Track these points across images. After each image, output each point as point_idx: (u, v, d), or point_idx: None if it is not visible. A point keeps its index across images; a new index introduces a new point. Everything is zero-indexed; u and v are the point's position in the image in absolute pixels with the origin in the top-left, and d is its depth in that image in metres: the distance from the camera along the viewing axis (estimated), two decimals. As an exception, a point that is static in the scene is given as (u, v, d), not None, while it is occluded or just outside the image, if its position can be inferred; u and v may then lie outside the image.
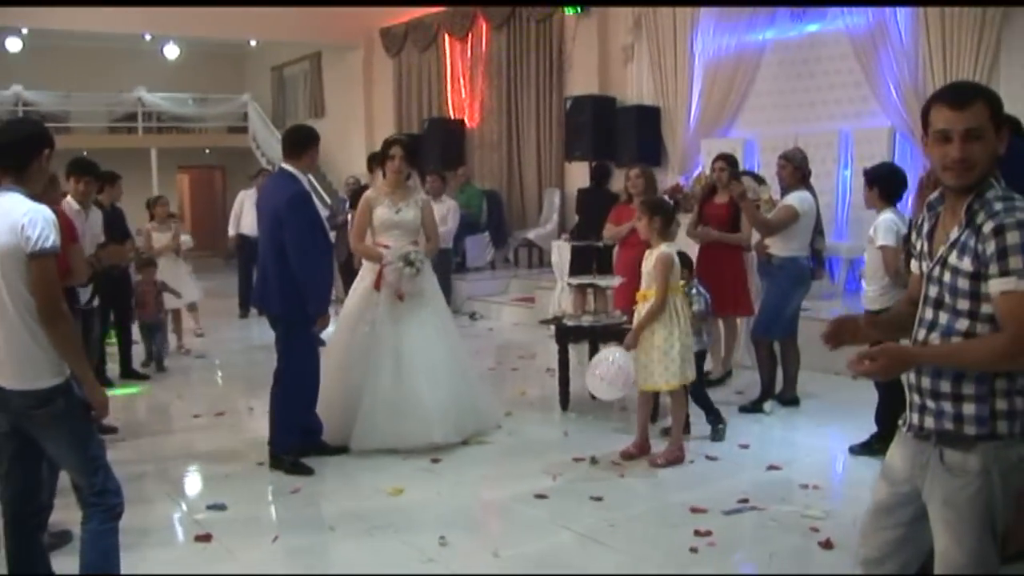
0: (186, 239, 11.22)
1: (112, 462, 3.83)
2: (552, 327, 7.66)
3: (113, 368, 9.06)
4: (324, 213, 9.69)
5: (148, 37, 19.16)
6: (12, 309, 3.49)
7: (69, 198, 7.16)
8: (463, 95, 16.72)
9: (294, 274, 5.79)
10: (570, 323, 7.36)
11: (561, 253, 10.80)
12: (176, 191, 24.71)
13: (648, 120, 12.87)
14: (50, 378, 3.55)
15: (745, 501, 5.26)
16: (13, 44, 19.67)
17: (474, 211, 14.19)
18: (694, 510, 5.16)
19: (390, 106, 18.52)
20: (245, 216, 12.94)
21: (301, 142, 6.04)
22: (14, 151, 3.62)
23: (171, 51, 20.93)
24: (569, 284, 9.55)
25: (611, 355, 6.08)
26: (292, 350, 6.05)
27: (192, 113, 22.35)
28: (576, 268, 9.69)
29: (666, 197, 9.64)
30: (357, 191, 10.60)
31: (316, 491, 5.80)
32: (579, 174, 13.87)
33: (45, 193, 7.13)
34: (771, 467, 5.92)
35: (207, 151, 23.42)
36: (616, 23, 13.57)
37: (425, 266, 6.48)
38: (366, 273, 6.63)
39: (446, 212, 11.93)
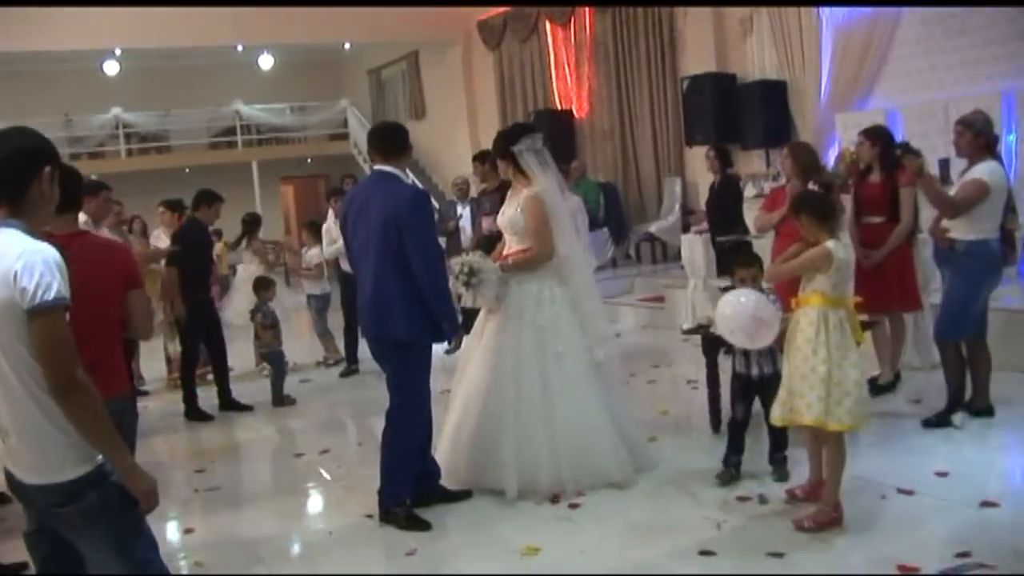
0: (313, 253, 10.48)
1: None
2: (697, 337, 6.65)
3: (210, 399, 8.52)
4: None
5: (240, 48, 18.67)
6: (16, 381, 2.67)
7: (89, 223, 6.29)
8: (569, 84, 15.83)
9: (421, 289, 4.98)
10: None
11: (693, 248, 9.78)
12: (281, 203, 24.36)
13: (774, 96, 11.79)
14: (75, 467, 2.74)
15: (966, 555, 4.18)
16: (111, 67, 19.47)
17: (592, 206, 13.22)
18: (903, 569, 4.12)
19: (493, 101, 17.71)
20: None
21: (400, 139, 5.26)
22: (2, 173, 2.74)
23: (265, 61, 20.53)
24: (719, 288, 8.39)
25: (739, 299, 5.01)
26: (409, 383, 5.18)
27: (291, 123, 22.03)
28: (724, 267, 8.66)
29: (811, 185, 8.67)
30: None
31: (435, 552, 4.92)
32: (701, 159, 12.81)
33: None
34: (985, 503, 4.78)
35: (309, 160, 22.98)
36: (731, -6, 12.48)
37: (547, 280, 5.58)
38: None
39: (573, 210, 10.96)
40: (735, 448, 5.47)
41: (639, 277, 12.29)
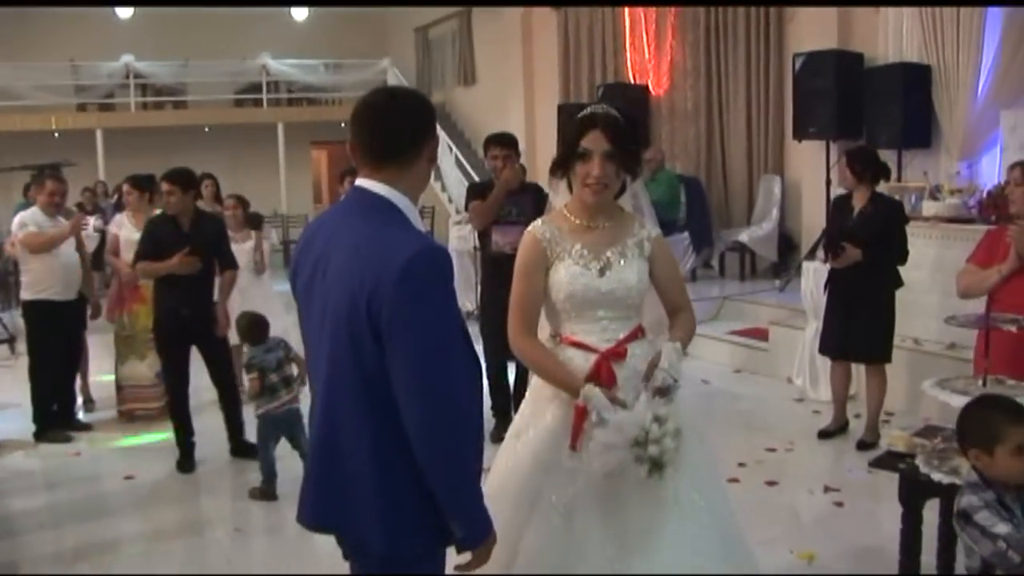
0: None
1: None
2: (895, 472, 3.96)
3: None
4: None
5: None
6: None
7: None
8: (647, 55, 13.37)
9: (418, 459, 2.35)
10: (938, 473, 3.60)
11: (817, 282, 7.38)
12: (311, 170, 22.26)
13: (914, 83, 9.30)
14: None
15: None
16: (124, 11, 17.33)
17: (671, 204, 10.86)
18: None
19: (555, 70, 15.26)
20: None
21: (410, 131, 2.49)
22: None
23: (299, 12, 18.32)
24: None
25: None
26: None
27: (325, 82, 19.78)
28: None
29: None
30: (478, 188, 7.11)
31: None
32: (809, 156, 10.44)
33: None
34: None
35: (343, 124, 20.71)
36: (866, -47, 9.99)
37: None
38: (545, 397, 3.25)
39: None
40: None
41: (728, 301, 9.84)
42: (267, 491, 5.73)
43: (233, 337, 6.46)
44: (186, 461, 6.37)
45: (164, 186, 6.26)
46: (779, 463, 6.04)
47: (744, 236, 11.05)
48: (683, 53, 12.68)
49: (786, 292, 9.77)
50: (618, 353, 3.18)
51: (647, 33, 13.34)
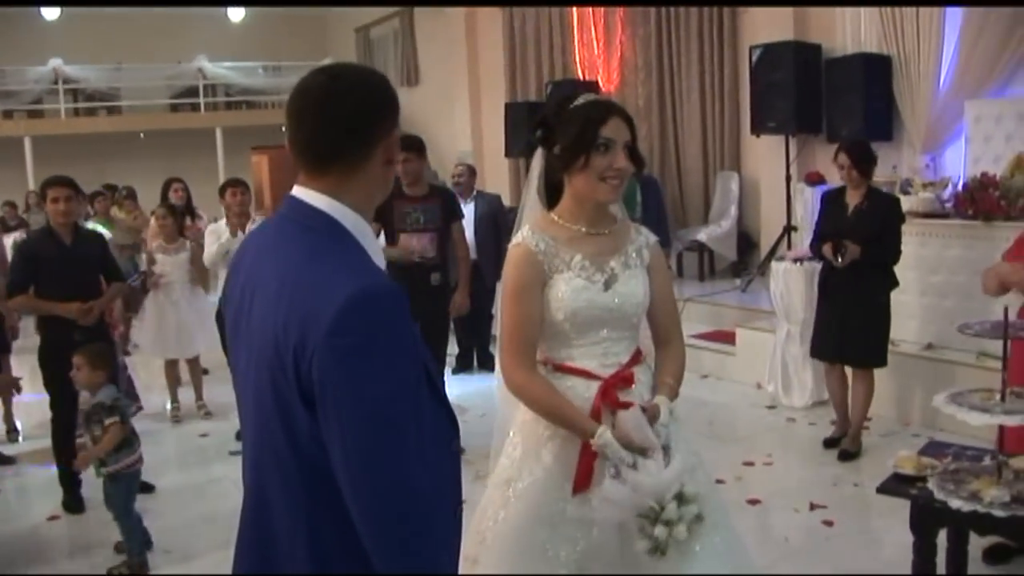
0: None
1: None
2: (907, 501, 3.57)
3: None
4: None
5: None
6: None
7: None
8: (596, 51, 13.01)
9: (363, 539, 1.71)
10: (956, 499, 3.24)
11: (790, 283, 7.05)
12: (252, 176, 21.65)
13: (875, 75, 9.03)
14: None
15: None
16: (50, 12, 16.64)
17: (628, 204, 10.45)
18: None
19: (501, 68, 14.85)
20: None
21: (361, 123, 1.87)
22: None
23: (236, 13, 17.73)
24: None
25: None
26: None
27: (264, 85, 19.25)
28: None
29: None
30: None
31: None
32: (767, 151, 10.13)
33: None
34: None
35: (283, 128, 20.14)
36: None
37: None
38: (538, 435, 2.80)
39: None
40: None
41: (690, 303, 9.49)
42: (142, 564, 4.78)
43: None
44: (75, 501, 5.74)
45: (49, 193, 5.60)
46: (759, 479, 5.66)
47: (703, 235, 10.73)
48: (633, 48, 12.35)
49: (748, 293, 9.47)
50: (625, 379, 2.78)
51: (596, 28, 12.99)
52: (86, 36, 17.15)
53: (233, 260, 2.10)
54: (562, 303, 2.75)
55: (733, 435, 6.70)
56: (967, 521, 3.24)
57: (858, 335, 5.79)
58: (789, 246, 9.24)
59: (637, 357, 2.88)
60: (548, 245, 2.78)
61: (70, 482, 5.74)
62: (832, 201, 6.04)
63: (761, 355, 7.54)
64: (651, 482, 2.49)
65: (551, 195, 2.92)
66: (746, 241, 10.74)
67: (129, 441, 4.83)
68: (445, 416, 1.87)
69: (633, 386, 2.80)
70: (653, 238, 3.00)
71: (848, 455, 5.87)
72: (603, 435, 2.58)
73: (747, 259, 10.73)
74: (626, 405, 2.66)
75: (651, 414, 2.67)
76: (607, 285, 2.79)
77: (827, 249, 5.76)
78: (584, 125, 2.71)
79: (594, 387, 2.75)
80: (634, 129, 2.79)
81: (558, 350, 2.83)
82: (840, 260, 5.67)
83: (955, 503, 3.21)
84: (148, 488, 5.76)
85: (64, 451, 5.68)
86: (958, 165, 8.36)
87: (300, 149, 1.88)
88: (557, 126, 2.80)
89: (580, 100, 2.80)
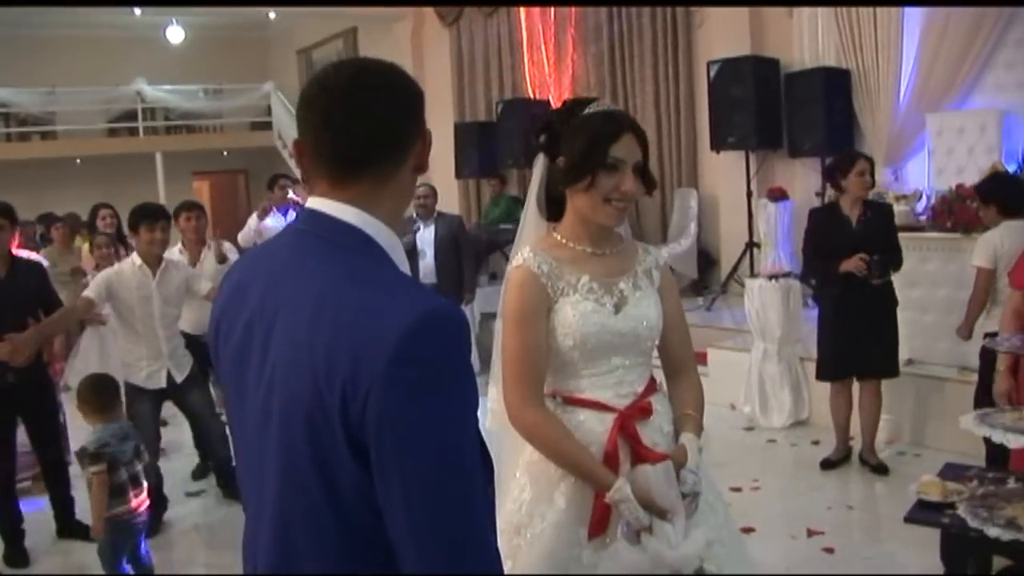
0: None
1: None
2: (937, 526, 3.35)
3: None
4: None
5: (138, 12, 15.40)
6: None
7: None
8: (546, 68, 12.83)
9: None
10: (994, 528, 3.02)
11: (766, 301, 6.89)
12: (193, 202, 21.16)
13: (834, 89, 8.97)
14: None
15: None
16: (-23, 32, 16.14)
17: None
18: None
19: (449, 88, 14.65)
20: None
21: (402, 119, 1.67)
22: None
23: (175, 34, 17.26)
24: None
25: None
26: None
27: (204, 108, 18.75)
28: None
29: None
30: None
31: None
32: (726, 167, 10.03)
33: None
34: None
35: (225, 153, 19.76)
36: (775, -45, 9.64)
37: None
38: (548, 476, 2.54)
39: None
40: None
41: (655, 322, 9.29)
42: None
43: None
44: (18, 554, 5.32)
45: None
46: (750, 505, 5.45)
47: (663, 253, 10.55)
48: (585, 66, 12.20)
49: (712, 311, 9.31)
50: (643, 409, 2.55)
51: (546, 45, 12.84)
52: (16, 59, 16.55)
53: (223, 293, 1.78)
54: (570, 329, 2.51)
55: (713, 459, 6.46)
56: (1007, 550, 3.06)
57: (879, 346, 5.70)
58: (752, 263, 9.12)
59: (652, 385, 2.65)
60: (551, 267, 2.55)
61: (11, 533, 5.35)
62: (827, 217, 5.89)
63: (734, 375, 7.37)
64: (670, 555, 2.27)
65: (551, 207, 2.70)
66: (706, 259, 10.59)
67: (122, 488, 4.36)
68: (486, 460, 1.58)
69: (651, 416, 2.58)
70: (663, 258, 2.80)
71: (883, 469, 5.79)
72: (621, 489, 2.34)
73: (708, 277, 10.59)
74: (656, 456, 2.44)
75: (678, 459, 2.44)
76: (617, 308, 2.57)
77: (853, 265, 5.55)
78: (593, 141, 2.46)
79: (609, 420, 2.51)
80: (646, 147, 2.55)
81: (565, 381, 2.58)
82: (872, 273, 5.53)
83: (992, 531, 3.02)
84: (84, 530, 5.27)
85: (5, 502, 5.32)
86: (922, 178, 8.31)
87: (325, 154, 1.61)
88: (563, 134, 2.57)
89: (592, 108, 2.56)
